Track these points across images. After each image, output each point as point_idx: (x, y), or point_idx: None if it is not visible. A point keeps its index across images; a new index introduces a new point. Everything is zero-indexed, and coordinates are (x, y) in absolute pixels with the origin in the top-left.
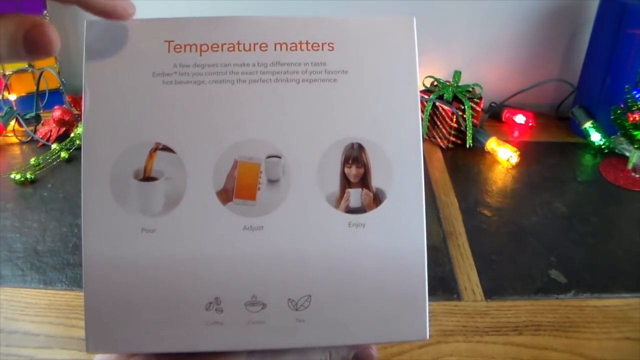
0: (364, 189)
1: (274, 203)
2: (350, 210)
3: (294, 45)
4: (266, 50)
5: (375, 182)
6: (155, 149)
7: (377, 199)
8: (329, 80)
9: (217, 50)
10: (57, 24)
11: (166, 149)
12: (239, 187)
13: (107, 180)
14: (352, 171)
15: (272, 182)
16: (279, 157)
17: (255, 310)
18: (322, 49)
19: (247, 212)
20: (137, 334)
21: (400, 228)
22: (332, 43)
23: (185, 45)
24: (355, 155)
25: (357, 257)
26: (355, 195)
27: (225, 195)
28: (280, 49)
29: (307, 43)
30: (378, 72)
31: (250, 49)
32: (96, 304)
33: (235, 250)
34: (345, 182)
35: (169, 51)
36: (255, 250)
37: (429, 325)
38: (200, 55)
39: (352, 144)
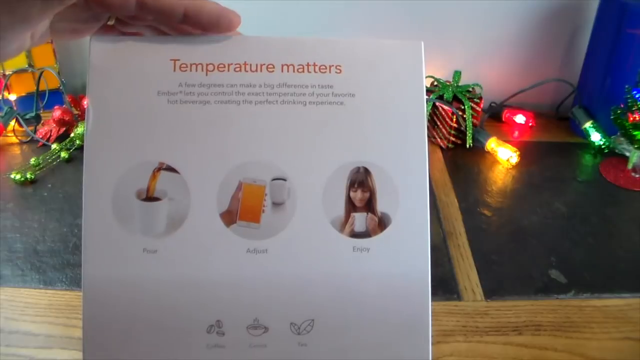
0: (369, 214)
1: (279, 226)
2: (355, 235)
3: (301, 67)
4: (273, 71)
5: (381, 206)
6: (158, 169)
7: (382, 223)
8: (335, 103)
9: (224, 70)
10: None
11: (170, 169)
12: (243, 209)
13: (109, 199)
14: (358, 195)
15: (276, 204)
16: (284, 180)
17: (257, 334)
18: (330, 72)
19: (251, 235)
20: (137, 355)
21: (404, 253)
22: (339, 66)
23: (191, 65)
24: (361, 179)
25: (361, 282)
26: (360, 220)
27: (229, 217)
28: (288, 71)
29: (314, 65)
30: (385, 95)
31: (257, 70)
32: (95, 324)
33: (238, 273)
34: (351, 206)
35: (174, 70)
36: (258, 274)
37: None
38: (206, 74)
39: (358, 168)
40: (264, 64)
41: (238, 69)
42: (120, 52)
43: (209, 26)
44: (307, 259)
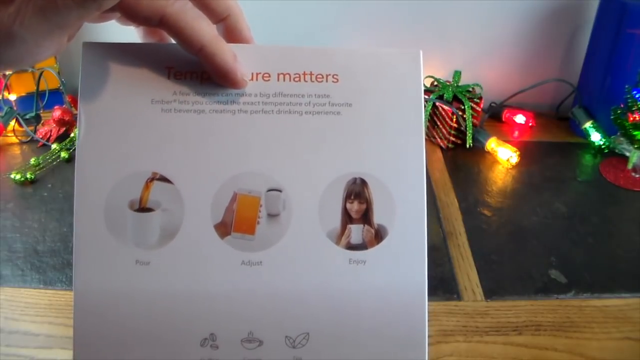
0: (366, 225)
1: (274, 238)
2: (351, 247)
3: (297, 76)
4: (269, 80)
5: (378, 218)
6: (152, 179)
7: (379, 235)
8: (332, 113)
9: None
10: None
11: (163, 179)
12: (238, 220)
13: (101, 210)
14: (354, 207)
15: (272, 216)
16: (280, 191)
17: (251, 347)
18: (327, 81)
19: (246, 247)
20: None
21: (401, 266)
22: (336, 75)
23: (186, 72)
24: (357, 191)
25: (357, 295)
26: (356, 232)
27: (224, 228)
28: (284, 80)
29: (311, 74)
30: (383, 105)
31: (252, 79)
32: (86, 338)
33: (233, 285)
34: (347, 218)
35: (169, 78)
36: (253, 286)
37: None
38: (201, 83)
39: (355, 179)
40: (260, 73)
41: None
42: (113, 58)
43: (212, 74)
44: (302, 271)
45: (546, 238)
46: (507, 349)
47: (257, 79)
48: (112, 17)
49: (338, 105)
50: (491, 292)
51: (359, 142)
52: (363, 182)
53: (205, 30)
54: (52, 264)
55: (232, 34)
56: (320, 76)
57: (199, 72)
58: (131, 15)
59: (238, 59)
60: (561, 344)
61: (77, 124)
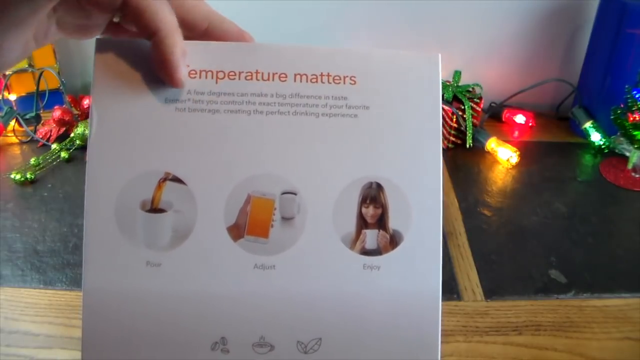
0: (381, 231)
1: (288, 242)
2: (365, 252)
3: (314, 77)
4: (285, 80)
5: (393, 223)
6: (164, 179)
7: (394, 241)
8: (349, 116)
9: (234, 78)
10: None
11: (176, 179)
12: (252, 223)
13: (112, 210)
14: (370, 211)
15: (286, 219)
16: (295, 194)
17: (262, 352)
18: (344, 83)
19: (259, 250)
20: None
21: (416, 272)
22: (354, 77)
23: (200, 71)
24: (373, 195)
25: (370, 301)
26: (371, 237)
27: (237, 231)
28: (300, 81)
29: (328, 75)
30: (400, 109)
31: (269, 79)
32: (95, 338)
33: (245, 289)
34: (362, 223)
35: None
36: (265, 290)
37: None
38: (216, 82)
39: (371, 183)
40: (277, 73)
41: (249, 78)
42: (126, 55)
43: (155, 61)
44: (316, 276)
45: (546, 238)
46: (507, 349)
47: (273, 79)
48: (94, 28)
49: (355, 107)
50: (491, 292)
51: (376, 145)
52: (379, 187)
53: (167, 17)
54: (52, 264)
55: (221, 40)
56: (338, 78)
57: (214, 72)
58: (93, 1)
59: (185, 60)
60: (561, 344)
61: (89, 120)
